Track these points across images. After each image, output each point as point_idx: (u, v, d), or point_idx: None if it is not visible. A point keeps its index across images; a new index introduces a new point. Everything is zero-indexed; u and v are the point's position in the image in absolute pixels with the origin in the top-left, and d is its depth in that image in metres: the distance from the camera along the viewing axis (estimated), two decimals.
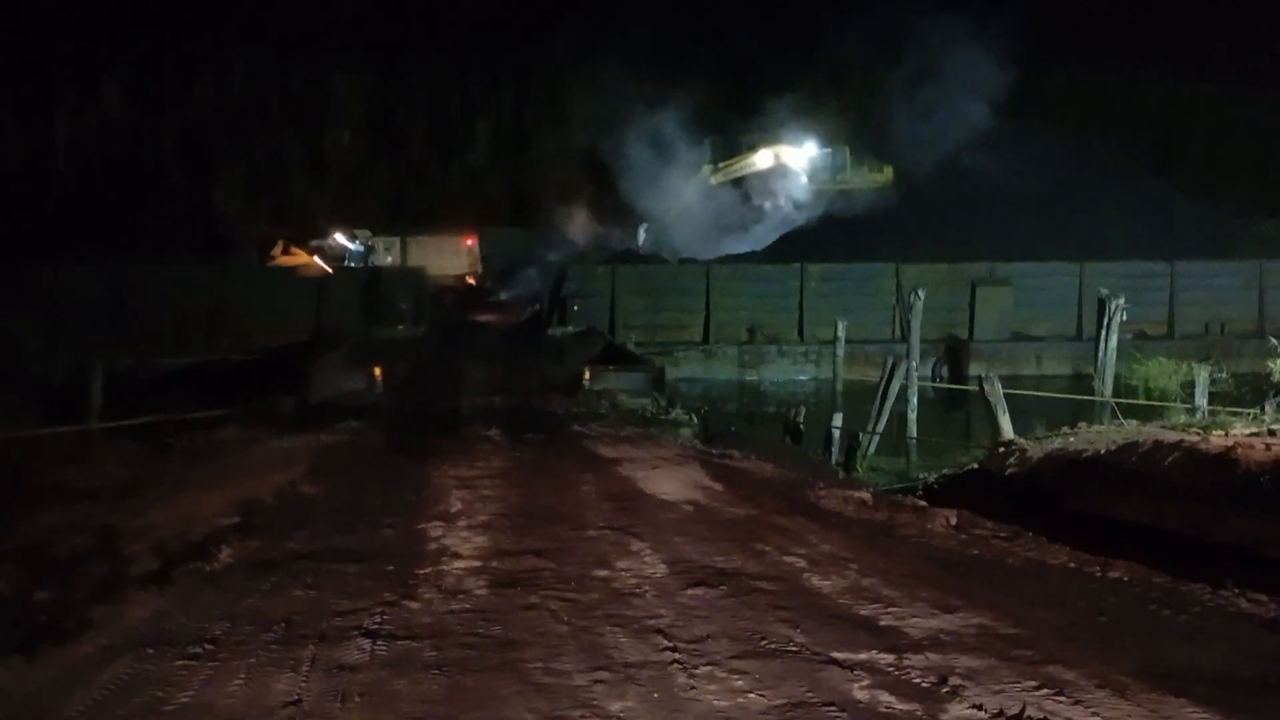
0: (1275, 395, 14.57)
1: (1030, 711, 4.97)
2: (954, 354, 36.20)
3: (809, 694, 5.27)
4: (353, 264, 51.98)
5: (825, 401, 29.04)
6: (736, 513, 10.25)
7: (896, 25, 56.51)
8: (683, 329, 38.14)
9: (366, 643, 6.14)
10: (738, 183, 58.06)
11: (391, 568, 7.93)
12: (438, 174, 65.74)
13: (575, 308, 37.10)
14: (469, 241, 58.78)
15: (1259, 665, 5.79)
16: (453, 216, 59.97)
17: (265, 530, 9.32)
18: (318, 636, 6.26)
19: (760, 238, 52.44)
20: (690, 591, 7.23)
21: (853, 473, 17.85)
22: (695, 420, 19.32)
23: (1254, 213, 50.32)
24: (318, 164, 63.55)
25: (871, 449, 20.73)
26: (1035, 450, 12.69)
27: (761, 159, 57.45)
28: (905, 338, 25.99)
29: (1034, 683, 5.38)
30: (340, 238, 54.96)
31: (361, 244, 55.08)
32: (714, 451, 15.11)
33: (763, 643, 6.11)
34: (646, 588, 7.35)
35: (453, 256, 57.69)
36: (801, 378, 36.41)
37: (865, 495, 11.63)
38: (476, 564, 8.06)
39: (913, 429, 22.64)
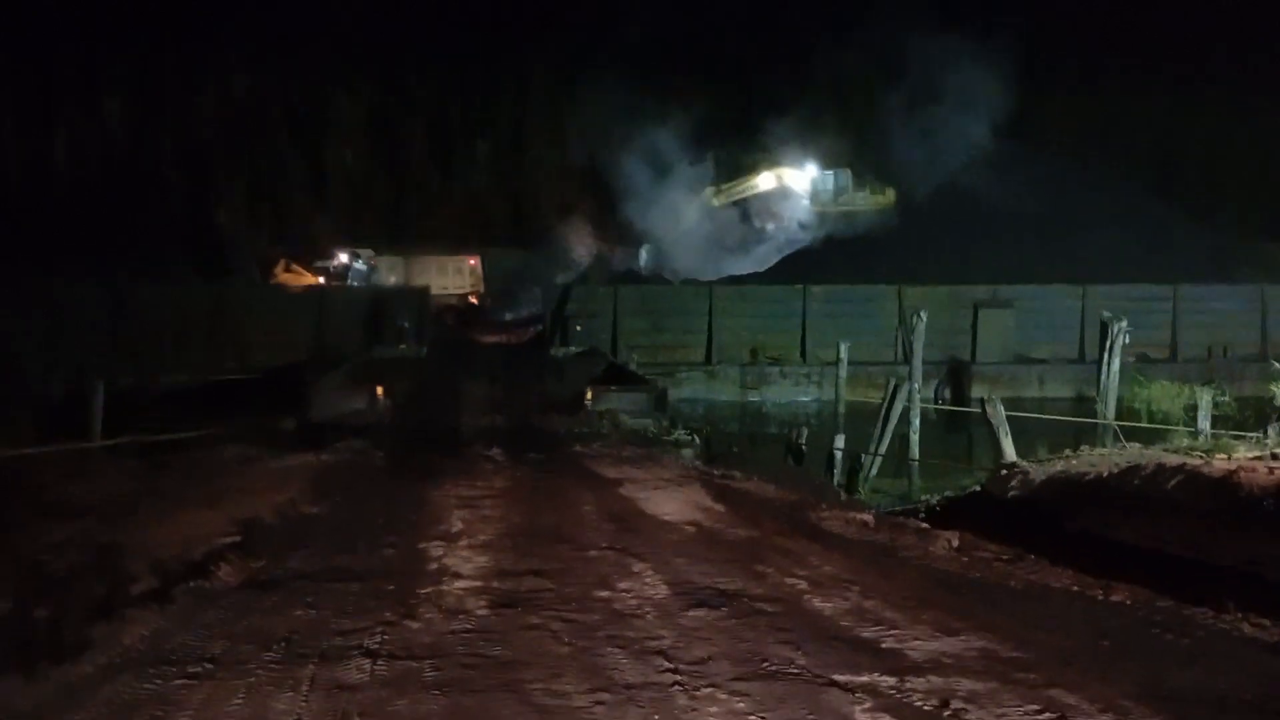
0: (1278, 419, 14.53)
1: None
2: (956, 376, 36.18)
3: (810, 716, 5.26)
4: (355, 283, 51.98)
5: (827, 423, 29.02)
6: (738, 534, 10.23)
7: (897, 47, 56.73)
8: (685, 349, 38.13)
9: (367, 662, 6.12)
10: (740, 204, 58.20)
11: (392, 587, 7.91)
12: (438, 193, 65.87)
13: (578, 328, 37.10)
14: (471, 261, 58.80)
15: (1261, 689, 5.77)
16: (454, 236, 60.05)
17: (266, 549, 9.30)
18: (318, 656, 6.24)
19: (763, 259, 52.55)
20: (691, 613, 7.21)
21: (855, 494, 17.83)
22: (697, 441, 19.29)
23: (1255, 236, 50.42)
24: (318, 181, 63.69)
25: (874, 470, 20.71)
26: (1037, 472, 12.66)
27: (764, 181, 57.59)
28: (907, 359, 25.97)
29: (1036, 706, 5.36)
30: (343, 256, 55.00)
31: (364, 263, 55.09)
32: (716, 472, 15.09)
33: (764, 664, 6.09)
34: (648, 609, 7.33)
35: (455, 276, 57.70)
36: (804, 399, 36.39)
37: (867, 517, 11.61)
38: (477, 584, 8.04)
39: (915, 451, 22.59)
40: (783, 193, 57.74)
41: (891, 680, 5.80)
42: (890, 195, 54.74)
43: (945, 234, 46.01)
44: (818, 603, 7.56)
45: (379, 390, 22.46)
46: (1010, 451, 15.21)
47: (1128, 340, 22.40)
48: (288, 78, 65.05)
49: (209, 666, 6.04)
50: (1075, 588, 8.24)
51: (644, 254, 58.18)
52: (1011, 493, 12.56)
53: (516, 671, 5.96)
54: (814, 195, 56.75)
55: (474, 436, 18.55)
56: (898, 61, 56.99)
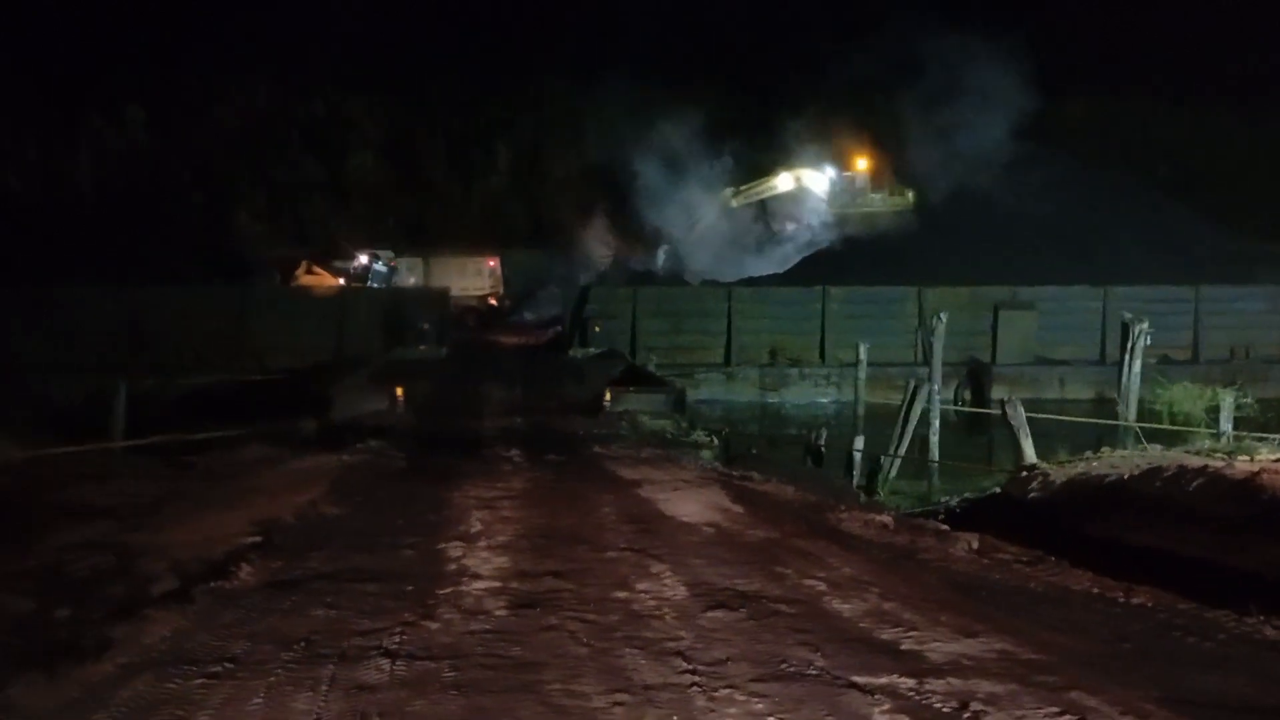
0: None
1: None
2: (976, 377, 36.07)
3: (829, 718, 5.25)
4: (376, 284, 52.15)
5: (847, 424, 28.95)
6: (757, 535, 10.22)
7: (917, 49, 56.60)
8: (704, 351, 38.13)
9: (386, 663, 6.13)
10: (759, 205, 58.15)
11: (411, 588, 7.92)
12: (457, 197, 66.04)
13: (596, 329, 37.13)
14: (491, 263, 58.93)
15: None
16: (473, 239, 60.18)
17: (285, 550, 9.33)
18: (337, 656, 6.25)
19: (781, 260, 52.50)
20: (710, 614, 7.20)
21: (874, 496, 17.79)
22: (716, 442, 19.28)
23: (1272, 238, 50.11)
24: (338, 187, 63.94)
25: (893, 472, 20.65)
26: (1058, 475, 12.60)
27: (783, 182, 57.54)
28: (927, 361, 25.87)
29: (1056, 709, 5.34)
30: (363, 258, 55.17)
31: (384, 265, 55.24)
32: (735, 474, 15.08)
33: (782, 666, 6.08)
34: (666, 610, 7.32)
35: (475, 277, 57.83)
36: (823, 400, 36.34)
37: (887, 519, 11.58)
38: (496, 585, 8.04)
39: (935, 452, 22.51)
40: (801, 194, 57.69)
41: (911, 682, 5.78)
42: (909, 197, 54.64)
43: (965, 236, 45.90)
44: (837, 604, 7.54)
45: (399, 392, 22.54)
46: (1030, 453, 15.17)
47: (1149, 341, 22.30)
48: (307, 86, 65.39)
49: (229, 666, 6.06)
50: (1096, 590, 8.20)
51: (661, 255, 58.20)
52: (1032, 495, 12.51)
53: (535, 672, 5.97)
54: (832, 196, 56.67)
55: (493, 438, 18.59)
56: (917, 63, 56.85)
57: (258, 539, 9.71)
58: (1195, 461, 10.70)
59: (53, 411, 23.04)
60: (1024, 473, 13.63)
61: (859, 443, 21.14)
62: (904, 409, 21.57)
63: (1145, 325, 21.71)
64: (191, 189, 58.06)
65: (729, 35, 69.50)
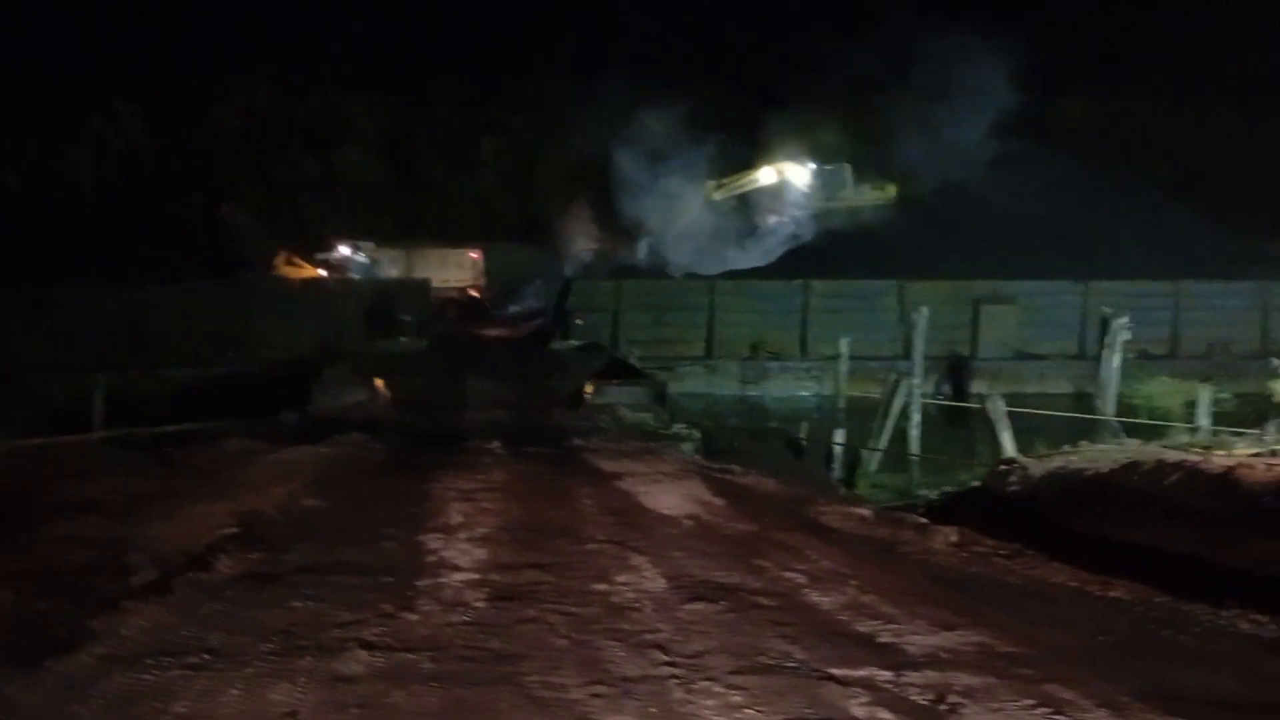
0: (1278, 416, 14.56)
1: None
2: (957, 371, 36.15)
3: (807, 710, 5.27)
4: (356, 276, 51.95)
5: (828, 418, 29.02)
6: (737, 528, 10.25)
7: (901, 42, 56.58)
8: (685, 344, 38.11)
9: (364, 654, 6.14)
10: (741, 199, 58.06)
11: (391, 580, 7.92)
12: (452, 195, 65.92)
13: (578, 322, 37.08)
14: (473, 254, 58.72)
15: (1260, 686, 5.79)
16: (459, 232, 60.03)
17: (266, 542, 9.32)
18: (316, 648, 6.25)
19: (764, 254, 52.43)
20: (689, 606, 7.22)
21: (854, 489, 17.86)
22: (697, 435, 19.30)
23: (1270, 237, 50.30)
24: (332, 184, 63.75)
25: (873, 466, 20.74)
26: (1037, 468, 12.66)
27: (765, 175, 57.46)
28: (908, 355, 25.97)
29: (1032, 701, 5.38)
30: (344, 249, 54.92)
31: (365, 256, 55.02)
32: (715, 467, 15.10)
33: (761, 658, 6.10)
34: (645, 602, 7.34)
35: (456, 270, 57.55)
36: (804, 394, 36.35)
37: (866, 512, 11.63)
38: (476, 577, 8.05)
39: (915, 446, 22.61)
40: (784, 187, 57.60)
41: (889, 675, 5.81)
42: (892, 191, 54.64)
43: (948, 231, 45.93)
44: (816, 597, 7.57)
45: (380, 384, 22.49)
46: (1010, 447, 15.26)
47: (1128, 337, 22.43)
48: (306, 86, 65.25)
49: (207, 658, 6.05)
50: (1074, 584, 8.25)
51: (644, 248, 58.11)
52: (1011, 489, 12.57)
53: (514, 664, 5.98)
54: (815, 190, 56.64)
55: (474, 430, 18.57)
56: (901, 57, 56.83)
57: (238, 531, 9.69)
58: (1173, 456, 10.77)
59: (52, 411, 22.95)
60: (1003, 466, 13.68)
61: (839, 436, 21.22)
62: (885, 403, 21.65)
63: (1125, 320, 21.82)
64: (187, 187, 57.84)
65: (715, 29, 69.49)
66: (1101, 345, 22.53)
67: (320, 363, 27.23)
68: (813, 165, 56.33)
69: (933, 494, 15.22)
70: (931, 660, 6.09)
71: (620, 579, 8.01)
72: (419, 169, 65.57)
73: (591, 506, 11.31)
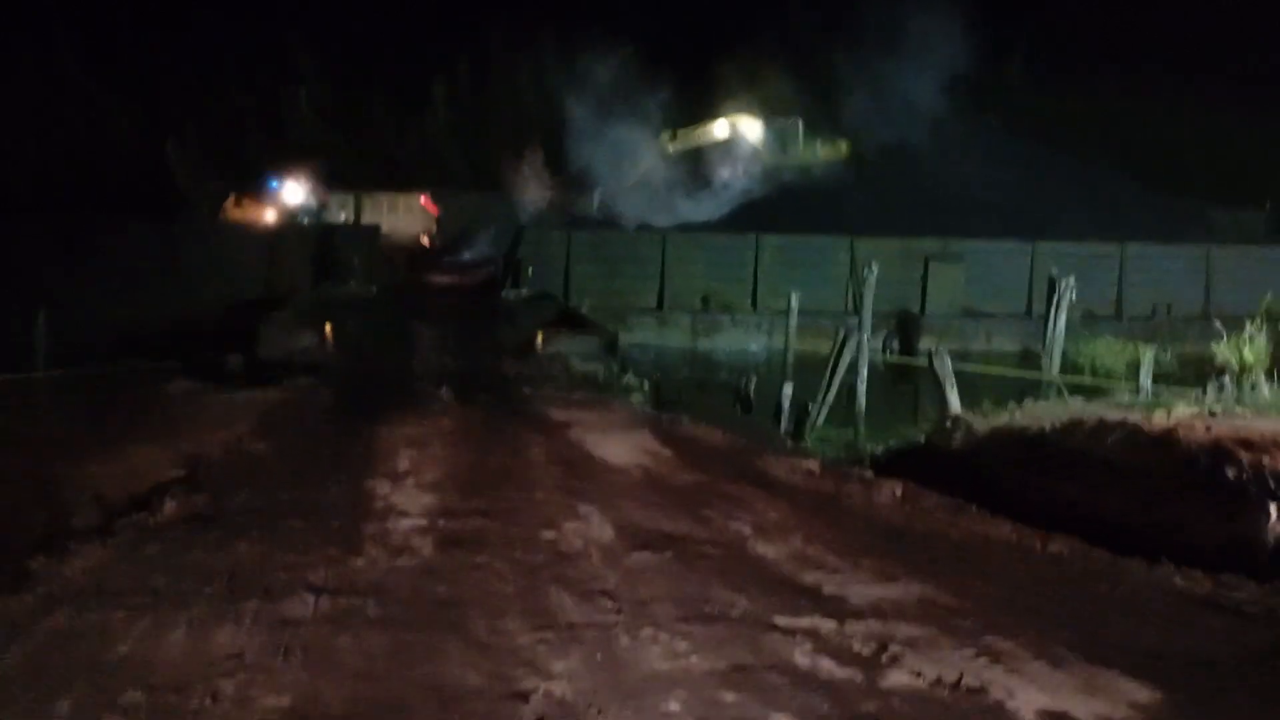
0: (1217, 377, 14.77)
1: (967, 680, 5.05)
2: (905, 328, 36.43)
3: (750, 658, 5.33)
4: (306, 220, 51.39)
5: (776, 371, 29.13)
6: (685, 479, 10.30)
7: (859, 2, 56.64)
8: (637, 295, 38.10)
9: (310, 598, 6.13)
10: (695, 151, 57.96)
11: (337, 524, 7.90)
12: (394, 136, 65.17)
13: (530, 271, 36.93)
14: (424, 201, 58.27)
15: (1191, 639, 5.92)
16: (408, 177, 59.47)
17: (211, 485, 9.26)
18: (261, 591, 6.24)
19: (717, 207, 52.42)
20: (636, 555, 7.27)
21: (801, 443, 17.91)
22: (647, 386, 19.32)
23: (1204, 204, 51.01)
24: (274, 124, 62.78)
25: (821, 420, 20.80)
26: (982, 426, 12.80)
27: (718, 128, 57.43)
28: (858, 310, 26.10)
29: (972, 651, 5.47)
30: (293, 193, 54.31)
31: (314, 200, 54.44)
32: (664, 418, 15.13)
33: (706, 607, 6.16)
34: (592, 550, 7.38)
35: (406, 216, 57.16)
36: (753, 347, 36.51)
37: (813, 465, 11.70)
38: (423, 523, 8.05)
39: (862, 401, 22.73)
40: (737, 141, 57.60)
41: (832, 624, 5.89)
42: (843, 148, 54.83)
43: (899, 191, 46.18)
44: (761, 548, 7.64)
45: (328, 329, 22.28)
46: (956, 404, 15.38)
47: (1074, 297, 22.67)
48: (243, 18, 64.07)
49: (151, 600, 6.02)
50: (1014, 539, 8.38)
51: (597, 198, 57.90)
52: (955, 445, 12.70)
53: (460, 610, 5.99)
54: (768, 145, 56.70)
55: (423, 377, 18.47)
56: (853, 13, 56.85)
57: (183, 474, 9.63)
58: (1115, 415, 10.92)
59: None
60: (949, 423, 13.82)
61: (788, 390, 21.25)
62: (833, 358, 21.71)
63: (1071, 281, 22.04)
64: (124, 122, 56.64)
65: None
66: (1048, 305, 22.76)
67: (267, 306, 26.94)
68: (767, 119, 56.33)
69: (878, 449, 15.34)
70: (874, 611, 6.17)
71: (568, 527, 8.03)
72: (365, 111, 64.73)
73: (540, 455, 11.31)
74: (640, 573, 6.85)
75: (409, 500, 8.81)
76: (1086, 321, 30.69)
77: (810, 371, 24.16)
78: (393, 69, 66.54)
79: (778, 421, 20.09)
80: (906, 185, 46.61)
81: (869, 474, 11.52)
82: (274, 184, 54.07)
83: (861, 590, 6.60)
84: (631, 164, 57.09)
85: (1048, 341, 22.38)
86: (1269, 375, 13.69)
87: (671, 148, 57.32)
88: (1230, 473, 8.79)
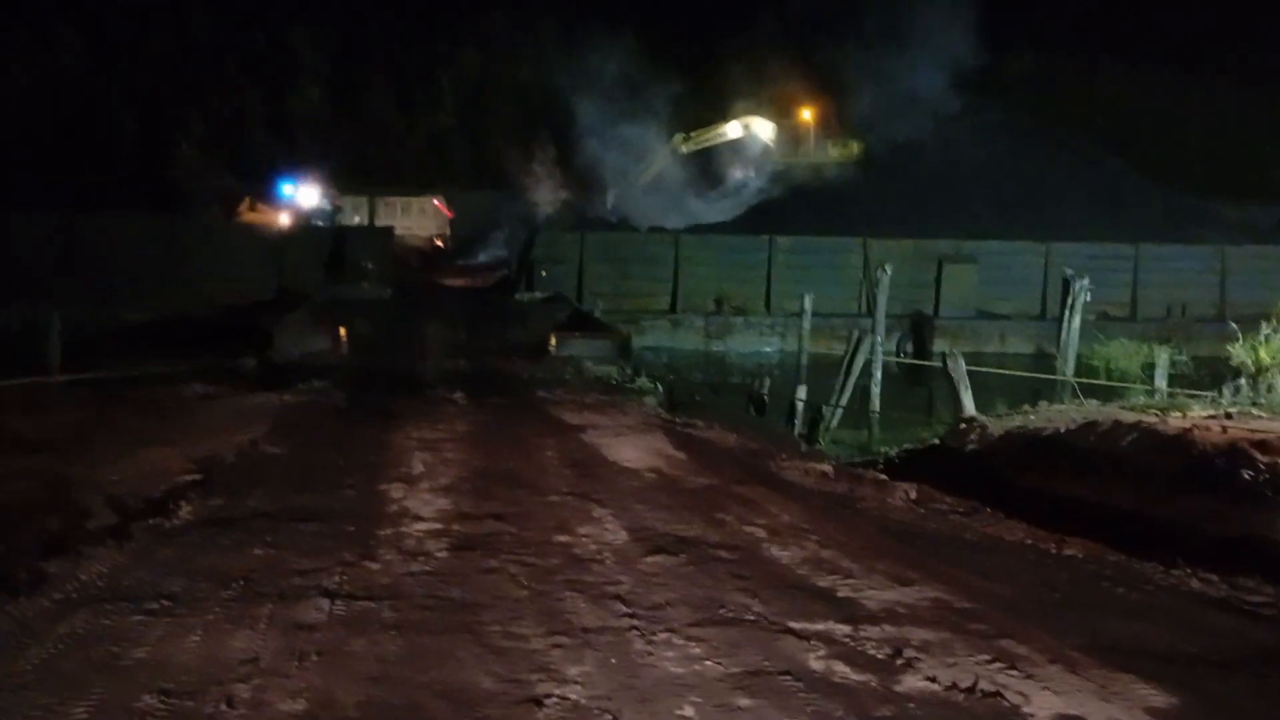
0: (1233, 379, 14.72)
1: (983, 684, 5.03)
2: (919, 330, 36.39)
3: (765, 662, 5.31)
4: (320, 222, 51.54)
5: (790, 374, 29.10)
6: (698, 482, 10.29)
7: (866, 2, 56.76)
8: (650, 298, 38.12)
9: (325, 602, 6.13)
10: (708, 152, 57.97)
11: (352, 528, 7.91)
12: (401, 132, 65.17)
13: (543, 273, 36.99)
14: (437, 203, 58.39)
15: (1207, 642, 5.88)
16: (417, 176, 59.54)
17: (225, 488, 9.28)
18: (276, 595, 6.24)
19: (729, 208, 52.47)
20: (650, 559, 7.26)
21: (815, 445, 17.91)
22: (660, 389, 19.32)
23: (1211, 199, 50.87)
24: (278, 118, 62.82)
25: (834, 422, 20.82)
26: (996, 427, 12.78)
27: (732, 129, 57.41)
28: (871, 312, 26.06)
29: (987, 656, 5.45)
30: (307, 194, 54.50)
31: (328, 202, 54.63)
32: (677, 420, 15.13)
33: (720, 611, 6.14)
34: (606, 554, 7.37)
35: (419, 218, 57.32)
36: (767, 349, 36.50)
37: (826, 467, 11.69)
38: (437, 526, 8.06)
39: (876, 403, 22.71)
40: (750, 142, 57.60)
41: (846, 628, 5.87)
42: (855, 148, 54.78)
43: (910, 189, 46.12)
44: (775, 551, 7.62)
45: (342, 331, 22.36)
46: (970, 406, 15.35)
47: (1088, 298, 22.56)
48: (248, 12, 64.11)
49: (166, 604, 6.03)
50: (1029, 541, 8.35)
51: (610, 200, 57.96)
52: (970, 447, 12.69)
53: (475, 614, 5.99)
54: (779, 145, 56.67)
55: (437, 380, 18.52)
56: (865, 14, 56.91)
57: (198, 477, 9.65)
58: (1130, 417, 10.90)
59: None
60: (963, 425, 13.81)
61: (801, 392, 21.27)
62: (847, 359, 21.72)
63: (1085, 282, 21.95)
64: (128, 117, 56.67)
65: None
66: (1062, 306, 22.68)
67: (280, 308, 27.02)
68: (776, 120, 56.33)
69: (892, 451, 15.32)
70: (888, 615, 6.15)
71: (582, 531, 8.03)
72: (375, 113, 64.70)
73: (554, 458, 11.32)
74: (654, 576, 6.84)
75: (423, 504, 8.82)
76: (1101, 323, 30.56)
77: (824, 373, 24.14)
78: (401, 71, 66.60)
79: (791, 423, 20.11)
80: (918, 184, 46.54)
81: (883, 476, 11.50)
82: (288, 191, 54.17)
83: (876, 593, 6.58)
84: (644, 165, 57.19)
85: (1062, 343, 22.27)
86: None
87: (684, 149, 57.31)
88: (1246, 474, 8.77)
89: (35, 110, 54.37)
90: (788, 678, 5.13)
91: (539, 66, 62.16)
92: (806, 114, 57.54)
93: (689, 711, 4.71)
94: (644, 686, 4.98)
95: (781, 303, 37.37)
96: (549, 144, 62.59)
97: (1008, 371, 22.11)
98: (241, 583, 6.48)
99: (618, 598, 6.34)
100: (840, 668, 5.28)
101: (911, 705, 4.85)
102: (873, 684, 5.08)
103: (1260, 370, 14.22)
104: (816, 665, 5.31)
